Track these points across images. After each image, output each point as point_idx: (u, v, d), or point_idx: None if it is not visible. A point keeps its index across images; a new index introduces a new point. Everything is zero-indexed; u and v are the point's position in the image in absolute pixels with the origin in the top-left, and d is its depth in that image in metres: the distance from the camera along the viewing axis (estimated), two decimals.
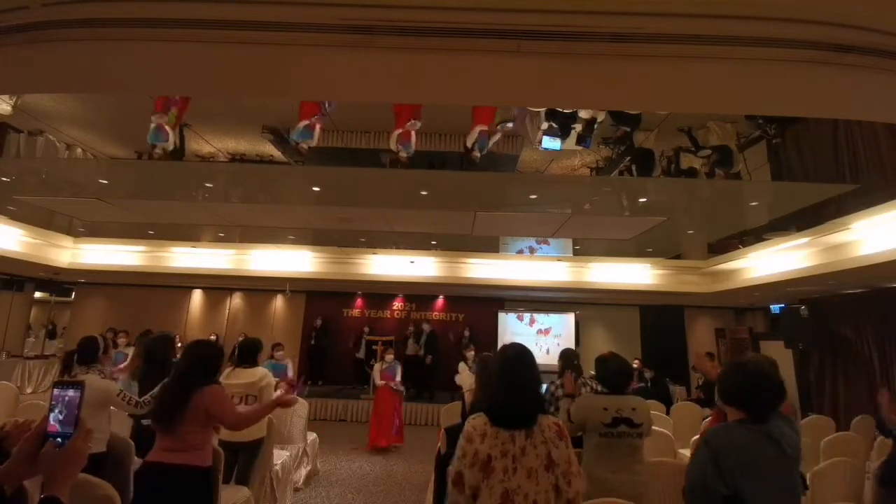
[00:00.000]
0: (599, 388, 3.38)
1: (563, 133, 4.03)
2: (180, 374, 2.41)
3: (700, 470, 1.72)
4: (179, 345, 5.96)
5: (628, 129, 4.82)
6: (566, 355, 3.74)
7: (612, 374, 2.71)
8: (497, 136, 4.60)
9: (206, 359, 2.48)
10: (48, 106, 5.74)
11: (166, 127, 4.17)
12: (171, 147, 4.31)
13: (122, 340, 6.98)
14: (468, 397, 4.23)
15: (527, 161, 6.90)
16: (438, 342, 9.84)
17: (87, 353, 2.95)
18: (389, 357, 7.15)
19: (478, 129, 4.34)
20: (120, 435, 3.03)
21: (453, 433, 2.55)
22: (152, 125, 4.15)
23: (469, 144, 4.40)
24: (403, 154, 4.38)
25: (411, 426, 8.42)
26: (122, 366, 5.53)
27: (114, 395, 2.84)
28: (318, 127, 4.38)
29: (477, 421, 1.74)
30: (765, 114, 4.89)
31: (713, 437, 1.74)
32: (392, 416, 6.72)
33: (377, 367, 7.11)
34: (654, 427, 4.23)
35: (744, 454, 1.65)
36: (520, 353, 1.85)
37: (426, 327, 10.10)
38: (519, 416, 1.72)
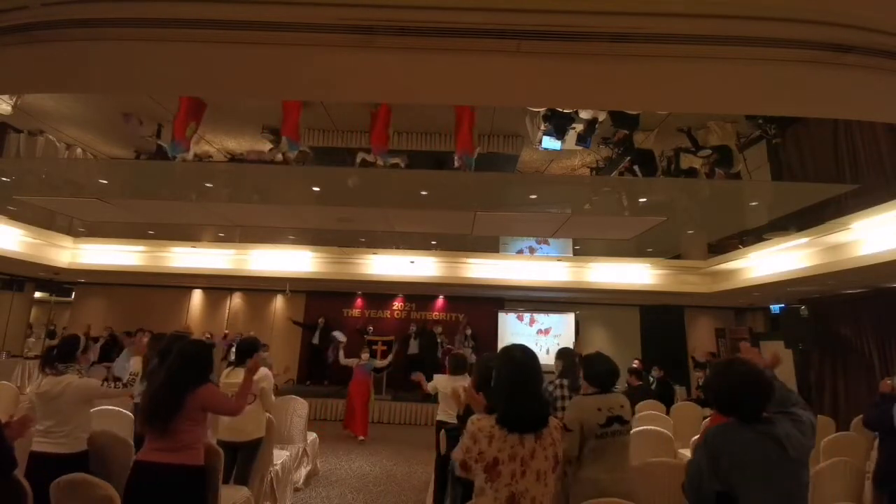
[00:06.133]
0: (567, 389, 3.38)
1: (557, 134, 4.07)
2: (172, 374, 2.38)
3: (697, 467, 1.74)
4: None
5: (627, 133, 4.84)
6: (565, 355, 3.71)
7: (602, 373, 2.66)
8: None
9: (198, 358, 2.48)
10: (48, 106, 5.73)
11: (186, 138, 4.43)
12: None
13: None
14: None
15: (527, 161, 6.89)
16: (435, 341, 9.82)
17: (67, 351, 2.92)
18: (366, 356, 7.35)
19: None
20: (121, 435, 3.03)
21: (453, 434, 2.54)
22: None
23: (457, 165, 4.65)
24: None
25: (411, 426, 8.44)
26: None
27: (97, 389, 2.86)
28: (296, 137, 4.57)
29: (483, 423, 1.70)
30: (765, 114, 4.90)
31: (712, 436, 1.74)
32: None
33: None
34: (654, 427, 4.32)
35: (741, 454, 1.64)
36: (529, 357, 1.81)
37: (413, 327, 10.15)
38: (532, 421, 1.69)
